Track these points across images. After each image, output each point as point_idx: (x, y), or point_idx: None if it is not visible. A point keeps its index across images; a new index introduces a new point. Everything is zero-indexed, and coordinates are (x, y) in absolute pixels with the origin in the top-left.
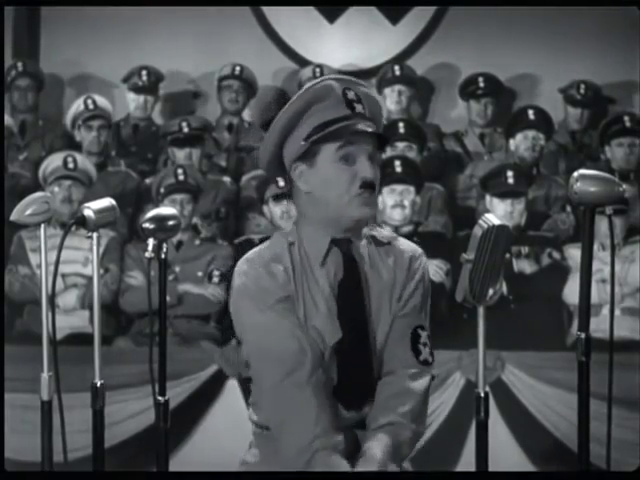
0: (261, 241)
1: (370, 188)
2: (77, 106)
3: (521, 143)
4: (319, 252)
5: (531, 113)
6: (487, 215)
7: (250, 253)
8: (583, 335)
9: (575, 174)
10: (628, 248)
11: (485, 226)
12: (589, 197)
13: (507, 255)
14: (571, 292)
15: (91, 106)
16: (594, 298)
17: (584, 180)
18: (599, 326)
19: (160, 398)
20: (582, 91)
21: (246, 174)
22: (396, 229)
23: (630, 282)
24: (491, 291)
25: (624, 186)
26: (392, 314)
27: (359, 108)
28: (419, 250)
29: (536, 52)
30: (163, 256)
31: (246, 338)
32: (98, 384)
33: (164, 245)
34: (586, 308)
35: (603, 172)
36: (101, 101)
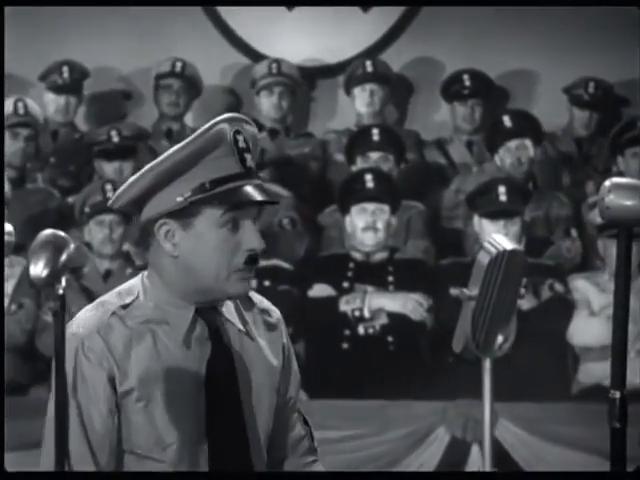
0: None
1: (255, 263)
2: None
3: (505, 157)
4: (179, 326)
5: (506, 120)
6: (495, 237)
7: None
8: (618, 394)
9: (607, 183)
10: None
11: (493, 251)
12: (625, 213)
13: (522, 290)
14: (577, 331)
15: (21, 111)
16: (604, 338)
17: (619, 191)
18: None
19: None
20: (591, 90)
21: None
22: (367, 256)
23: None
24: (500, 338)
25: None
26: (275, 396)
27: (249, 160)
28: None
29: (534, 44)
30: (61, 291)
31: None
32: None
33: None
34: (620, 359)
35: None
36: (33, 107)
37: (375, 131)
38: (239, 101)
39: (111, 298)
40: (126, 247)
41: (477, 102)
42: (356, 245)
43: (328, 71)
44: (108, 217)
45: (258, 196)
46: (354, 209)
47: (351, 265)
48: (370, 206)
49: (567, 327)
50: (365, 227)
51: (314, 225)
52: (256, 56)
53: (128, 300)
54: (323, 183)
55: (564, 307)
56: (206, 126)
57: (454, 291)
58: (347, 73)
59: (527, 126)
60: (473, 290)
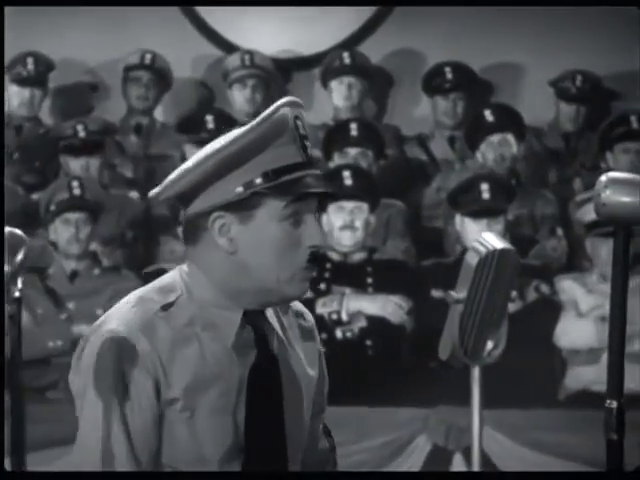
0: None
1: (317, 261)
2: None
3: (487, 153)
4: (227, 331)
5: (488, 114)
6: (484, 235)
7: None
8: (615, 404)
9: (603, 178)
10: (634, 279)
11: (483, 251)
12: (624, 210)
13: (513, 293)
14: (564, 333)
15: None
16: (593, 341)
17: (616, 187)
18: (600, 376)
19: None
20: (578, 83)
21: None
22: (345, 256)
23: (638, 321)
24: (490, 344)
25: None
26: (311, 409)
27: (309, 147)
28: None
29: (520, 36)
30: (17, 293)
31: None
32: None
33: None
34: (617, 365)
35: None
36: None
37: (353, 126)
38: (211, 94)
39: (151, 294)
40: (93, 247)
41: (459, 96)
42: (333, 245)
43: (304, 63)
44: (74, 215)
45: (322, 187)
46: (331, 207)
47: (328, 266)
48: (348, 204)
49: (554, 330)
50: (343, 226)
51: None
52: (228, 47)
53: (171, 299)
54: None
55: (551, 309)
56: (268, 111)
57: (436, 293)
58: (324, 65)
59: (509, 120)
60: (461, 293)
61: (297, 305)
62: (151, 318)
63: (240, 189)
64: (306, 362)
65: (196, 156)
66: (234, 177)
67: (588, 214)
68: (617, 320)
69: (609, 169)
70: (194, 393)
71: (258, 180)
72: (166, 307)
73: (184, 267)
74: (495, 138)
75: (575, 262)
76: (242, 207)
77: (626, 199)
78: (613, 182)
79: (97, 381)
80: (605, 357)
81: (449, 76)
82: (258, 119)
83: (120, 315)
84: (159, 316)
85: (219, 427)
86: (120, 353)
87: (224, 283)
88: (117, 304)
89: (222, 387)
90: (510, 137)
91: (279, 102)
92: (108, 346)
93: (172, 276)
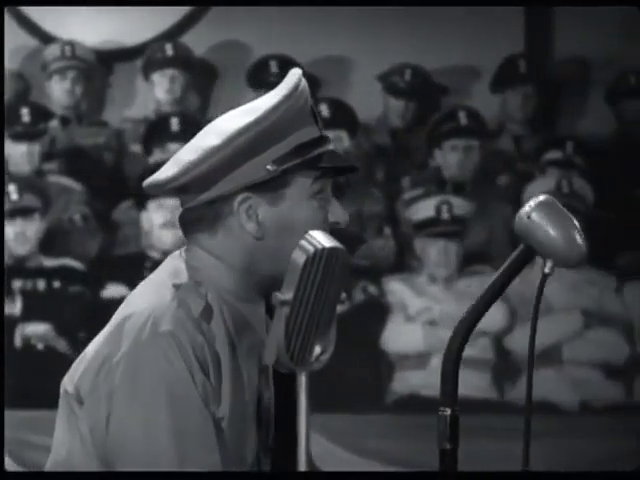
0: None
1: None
2: None
3: None
4: (260, 327)
5: (323, 109)
6: (313, 233)
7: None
8: (448, 412)
9: (545, 198)
10: (464, 281)
11: (310, 249)
12: (545, 240)
13: (343, 294)
14: (392, 336)
15: None
16: (420, 345)
17: (551, 215)
18: (429, 380)
19: None
20: (407, 78)
21: None
22: (166, 255)
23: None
24: (318, 348)
25: None
26: None
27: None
28: None
29: (347, 29)
30: None
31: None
32: None
33: None
34: (451, 369)
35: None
36: None
37: (174, 121)
38: (27, 86)
39: (187, 293)
40: None
41: None
42: (155, 243)
43: (125, 54)
44: None
45: (345, 162)
46: (152, 204)
47: (148, 265)
48: (170, 202)
49: (381, 332)
50: (164, 223)
51: (108, 221)
52: (46, 38)
53: (204, 298)
54: (118, 176)
55: (378, 311)
56: (292, 84)
57: None
58: (145, 57)
59: (343, 116)
60: (287, 294)
61: None
62: (198, 321)
63: (271, 167)
64: None
65: (217, 132)
66: (266, 154)
67: (417, 213)
68: (463, 326)
69: (438, 167)
70: (238, 410)
71: (290, 156)
72: (205, 311)
73: (191, 261)
74: (329, 135)
75: (403, 262)
76: (271, 187)
77: (552, 232)
78: (549, 207)
79: (172, 385)
80: (434, 361)
81: (275, 70)
82: (284, 91)
83: (170, 315)
84: (202, 319)
85: (253, 433)
86: (187, 358)
87: (250, 273)
88: (152, 300)
89: (253, 390)
90: (343, 134)
91: (297, 74)
92: (169, 346)
93: (190, 270)
